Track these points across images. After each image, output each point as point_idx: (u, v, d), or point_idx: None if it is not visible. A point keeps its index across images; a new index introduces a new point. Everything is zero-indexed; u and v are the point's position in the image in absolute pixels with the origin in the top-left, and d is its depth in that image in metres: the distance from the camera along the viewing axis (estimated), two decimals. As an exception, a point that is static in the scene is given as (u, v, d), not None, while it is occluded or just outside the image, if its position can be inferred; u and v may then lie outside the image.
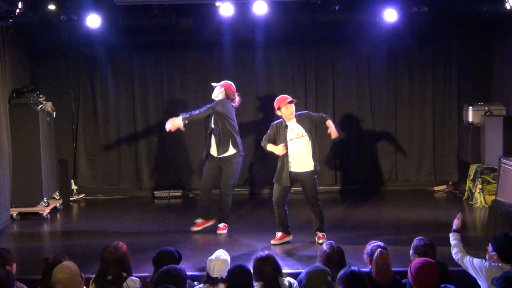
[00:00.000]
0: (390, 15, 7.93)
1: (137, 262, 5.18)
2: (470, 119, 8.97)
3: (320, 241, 6.61)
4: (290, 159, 6.69)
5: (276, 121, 6.85)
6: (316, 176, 6.86)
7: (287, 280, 4.34)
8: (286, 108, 6.69)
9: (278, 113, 6.77)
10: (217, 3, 7.59)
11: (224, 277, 4.26)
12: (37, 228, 8.01)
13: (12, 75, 8.54)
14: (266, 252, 4.41)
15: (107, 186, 9.88)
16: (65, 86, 9.70)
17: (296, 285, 4.38)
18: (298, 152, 6.69)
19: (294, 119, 6.72)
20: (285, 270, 4.76)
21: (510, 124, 8.36)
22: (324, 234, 6.79)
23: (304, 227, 7.37)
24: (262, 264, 4.25)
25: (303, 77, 9.79)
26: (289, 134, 6.70)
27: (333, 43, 9.68)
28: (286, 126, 6.72)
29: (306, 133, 6.70)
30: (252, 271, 4.25)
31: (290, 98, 6.76)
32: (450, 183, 9.83)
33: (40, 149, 8.36)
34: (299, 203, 7.81)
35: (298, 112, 6.81)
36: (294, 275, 4.70)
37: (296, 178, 6.79)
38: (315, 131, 7.21)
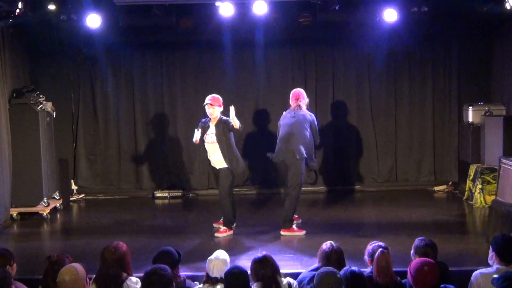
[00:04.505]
0: (390, 15, 7.92)
1: (137, 262, 5.18)
2: (470, 119, 8.97)
3: (216, 234, 7.14)
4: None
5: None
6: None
7: (286, 280, 4.34)
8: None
9: None
10: (217, 3, 7.59)
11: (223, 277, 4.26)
12: (37, 228, 8.00)
13: (12, 75, 8.54)
14: (264, 252, 4.40)
15: (107, 186, 9.88)
16: (65, 86, 9.70)
17: (296, 285, 4.38)
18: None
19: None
20: (284, 270, 4.75)
21: (510, 124, 8.36)
22: (226, 228, 7.18)
23: (301, 226, 7.38)
24: (259, 265, 4.24)
25: (303, 77, 9.78)
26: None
27: (333, 43, 9.68)
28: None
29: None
30: (250, 272, 4.25)
31: None
32: (450, 183, 9.82)
33: (40, 149, 8.36)
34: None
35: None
36: (294, 275, 4.70)
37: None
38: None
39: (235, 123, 6.99)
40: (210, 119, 7.23)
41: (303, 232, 7.19)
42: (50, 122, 8.82)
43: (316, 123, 7.40)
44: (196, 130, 7.27)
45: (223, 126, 7.12)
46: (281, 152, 7.28)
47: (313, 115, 7.43)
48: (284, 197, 7.41)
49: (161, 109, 9.79)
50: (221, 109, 7.26)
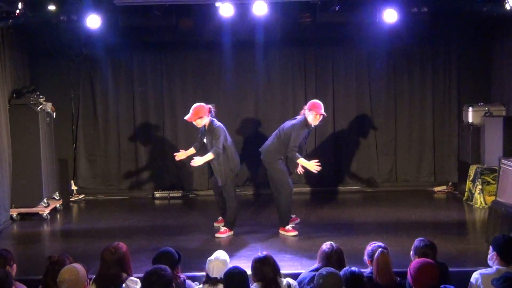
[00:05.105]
0: (390, 16, 7.92)
1: (137, 262, 5.18)
2: (470, 120, 8.97)
3: (216, 235, 7.10)
4: None
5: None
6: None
7: (286, 280, 4.34)
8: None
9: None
10: (217, 4, 7.59)
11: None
12: (37, 228, 8.00)
13: (12, 75, 8.54)
14: (265, 252, 4.40)
15: (107, 186, 9.88)
16: (65, 86, 9.70)
17: (296, 286, 4.38)
18: None
19: None
20: (284, 270, 4.75)
21: (510, 125, 8.36)
22: (226, 229, 7.15)
23: (301, 227, 7.39)
24: (260, 265, 4.24)
25: (303, 78, 9.78)
26: None
27: (333, 43, 9.67)
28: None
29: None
30: (250, 272, 4.25)
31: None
32: (450, 183, 9.82)
33: (40, 149, 8.36)
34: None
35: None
36: (294, 276, 4.70)
37: None
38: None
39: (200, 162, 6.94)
40: None
41: (295, 233, 7.14)
42: (50, 122, 8.82)
43: (298, 135, 7.04)
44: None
45: (211, 136, 7.02)
46: (262, 151, 7.36)
47: (298, 125, 7.09)
48: (276, 197, 7.35)
49: (161, 109, 9.78)
50: (206, 118, 6.99)
